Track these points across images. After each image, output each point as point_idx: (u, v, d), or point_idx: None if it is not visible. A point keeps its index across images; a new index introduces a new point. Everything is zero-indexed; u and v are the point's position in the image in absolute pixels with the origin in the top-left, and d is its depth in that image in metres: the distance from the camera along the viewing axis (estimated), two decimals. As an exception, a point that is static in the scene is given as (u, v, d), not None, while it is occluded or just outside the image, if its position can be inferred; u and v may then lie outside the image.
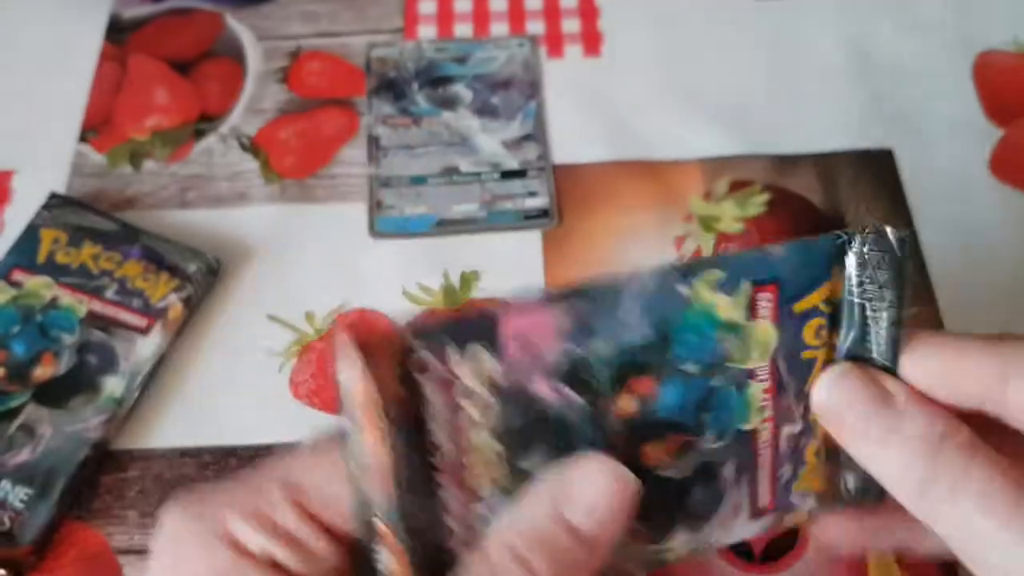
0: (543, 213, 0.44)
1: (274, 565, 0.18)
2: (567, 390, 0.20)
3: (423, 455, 0.19)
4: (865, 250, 0.21)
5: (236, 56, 0.49)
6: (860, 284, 0.21)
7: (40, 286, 0.39)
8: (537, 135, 0.46)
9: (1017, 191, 0.44)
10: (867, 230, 0.21)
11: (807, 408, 0.22)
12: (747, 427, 0.22)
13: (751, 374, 0.22)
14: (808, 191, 0.44)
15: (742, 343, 0.21)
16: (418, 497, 0.19)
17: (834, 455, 0.23)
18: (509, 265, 0.42)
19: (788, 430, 0.22)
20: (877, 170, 0.45)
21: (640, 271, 0.20)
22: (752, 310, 0.21)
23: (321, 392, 0.39)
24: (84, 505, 0.37)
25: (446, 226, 0.43)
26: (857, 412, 0.22)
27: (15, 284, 0.39)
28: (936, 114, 0.46)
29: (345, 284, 0.42)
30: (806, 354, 0.22)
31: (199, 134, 0.47)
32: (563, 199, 0.44)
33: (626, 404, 0.21)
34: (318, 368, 0.40)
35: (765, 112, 0.47)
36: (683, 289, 0.20)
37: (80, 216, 0.41)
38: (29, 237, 0.41)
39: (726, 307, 0.21)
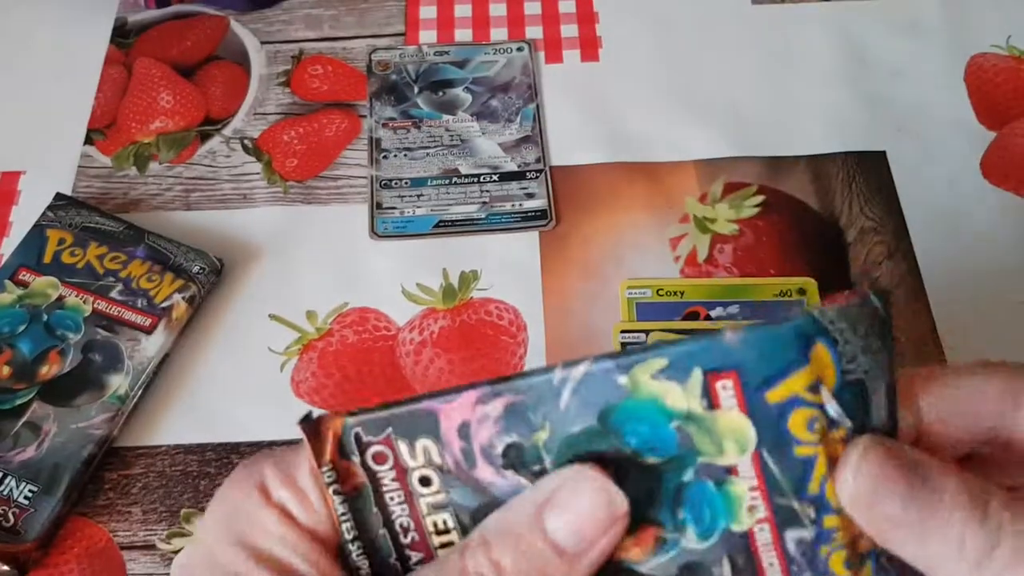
0: (541, 214, 0.44)
1: (287, 514, 0.21)
2: (512, 474, 0.20)
3: (393, 534, 0.21)
4: (853, 322, 0.20)
5: (240, 60, 0.50)
6: (853, 359, 0.20)
7: (46, 286, 0.40)
8: (535, 138, 0.47)
9: (1008, 193, 0.45)
10: (847, 302, 0.20)
11: (819, 511, 0.20)
12: (738, 528, 0.20)
13: (731, 470, 0.20)
14: (802, 193, 0.45)
15: (708, 435, 0.20)
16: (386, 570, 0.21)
17: (865, 560, 0.21)
18: (507, 266, 0.43)
19: (796, 535, 0.21)
20: (871, 172, 0.45)
21: (573, 362, 0.20)
22: (711, 399, 0.19)
23: (322, 390, 0.40)
24: (88, 501, 0.37)
25: (446, 227, 0.44)
26: (894, 495, 0.19)
27: (21, 284, 0.40)
28: (929, 117, 0.47)
29: (346, 284, 0.42)
30: (800, 450, 0.20)
31: (203, 137, 0.47)
32: (560, 201, 0.45)
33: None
34: (319, 367, 0.40)
35: (760, 114, 0.47)
36: (620, 379, 0.20)
37: (86, 217, 0.42)
38: (35, 237, 0.41)
39: (676, 396, 0.19)
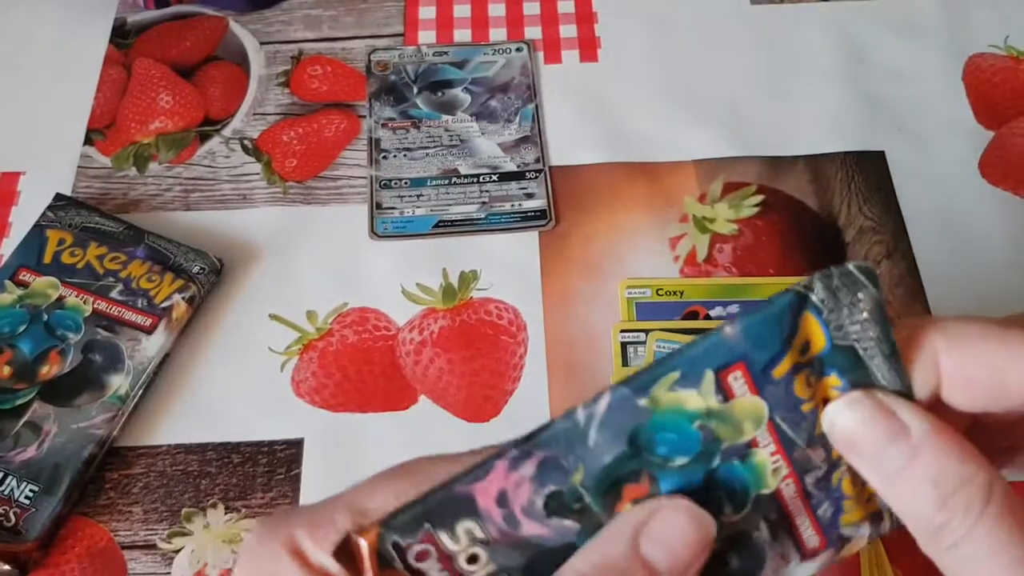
0: (540, 214, 0.44)
1: None
2: (557, 521, 0.21)
3: None
4: (833, 294, 0.21)
5: (239, 60, 0.50)
6: (840, 328, 0.21)
7: (46, 286, 0.40)
8: (534, 138, 0.47)
9: (1007, 193, 0.45)
10: (828, 274, 0.21)
11: (827, 449, 0.22)
12: (767, 491, 0.22)
13: (751, 444, 0.21)
14: (801, 192, 0.45)
15: (728, 424, 0.21)
16: None
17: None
18: (507, 265, 0.43)
19: (813, 476, 0.22)
20: (869, 172, 0.45)
21: (592, 400, 0.20)
22: (725, 393, 0.21)
23: (322, 390, 0.40)
24: (89, 501, 0.37)
25: (445, 227, 0.44)
26: (869, 443, 0.21)
27: (21, 284, 0.40)
28: (928, 116, 0.47)
29: (346, 284, 0.43)
30: (805, 407, 0.21)
31: (203, 137, 0.47)
32: (560, 200, 0.45)
33: (626, 510, 0.21)
34: (319, 367, 0.40)
35: (759, 114, 0.48)
36: (641, 401, 0.20)
37: (85, 217, 0.42)
38: (35, 238, 0.41)
39: (694, 400, 0.21)
